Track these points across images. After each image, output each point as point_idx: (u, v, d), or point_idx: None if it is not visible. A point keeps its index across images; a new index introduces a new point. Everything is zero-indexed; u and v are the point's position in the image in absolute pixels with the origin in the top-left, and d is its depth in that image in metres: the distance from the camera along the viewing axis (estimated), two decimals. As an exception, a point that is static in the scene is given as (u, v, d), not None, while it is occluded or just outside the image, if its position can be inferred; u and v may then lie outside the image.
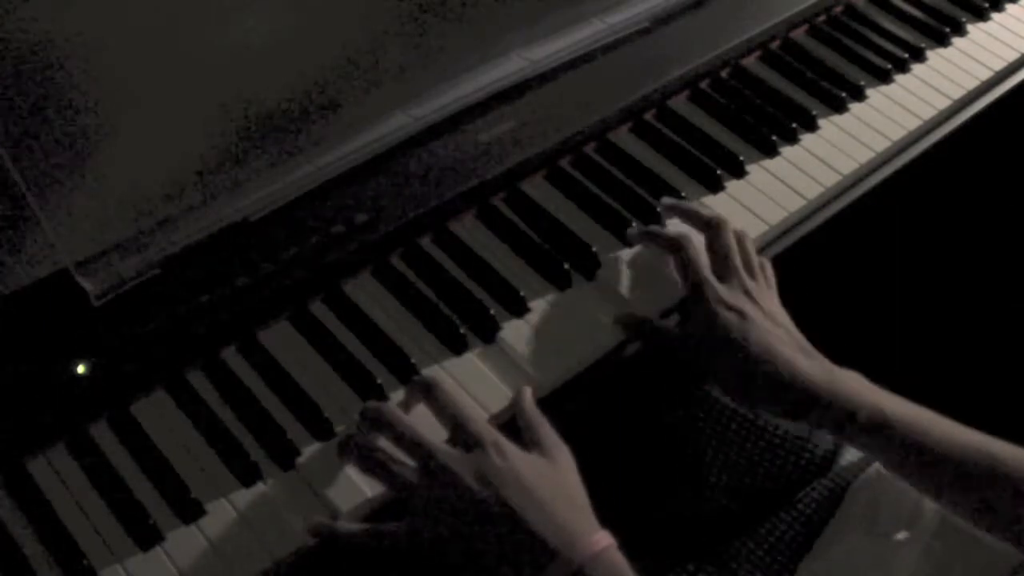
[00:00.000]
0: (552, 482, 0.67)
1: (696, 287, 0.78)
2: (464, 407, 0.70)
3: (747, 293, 0.78)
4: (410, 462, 0.68)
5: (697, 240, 0.82)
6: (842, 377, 0.74)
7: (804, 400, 0.73)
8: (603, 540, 0.65)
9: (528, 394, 0.74)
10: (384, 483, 0.69)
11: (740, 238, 0.83)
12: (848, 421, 0.72)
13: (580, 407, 0.79)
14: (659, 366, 0.84)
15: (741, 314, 0.76)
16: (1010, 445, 0.71)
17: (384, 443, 0.69)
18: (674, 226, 0.87)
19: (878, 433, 0.72)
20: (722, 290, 0.77)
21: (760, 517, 0.85)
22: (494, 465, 0.66)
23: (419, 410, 0.73)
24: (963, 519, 0.73)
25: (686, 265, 0.80)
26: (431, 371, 0.76)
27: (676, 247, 0.81)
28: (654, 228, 0.85)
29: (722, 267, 0.80)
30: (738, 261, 0.80)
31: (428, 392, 0.71)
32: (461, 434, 0.68)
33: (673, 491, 0.91)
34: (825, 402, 0.73)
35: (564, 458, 0.69)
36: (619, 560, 0.65)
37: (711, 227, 0.82)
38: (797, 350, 0.75)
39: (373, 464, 0.69)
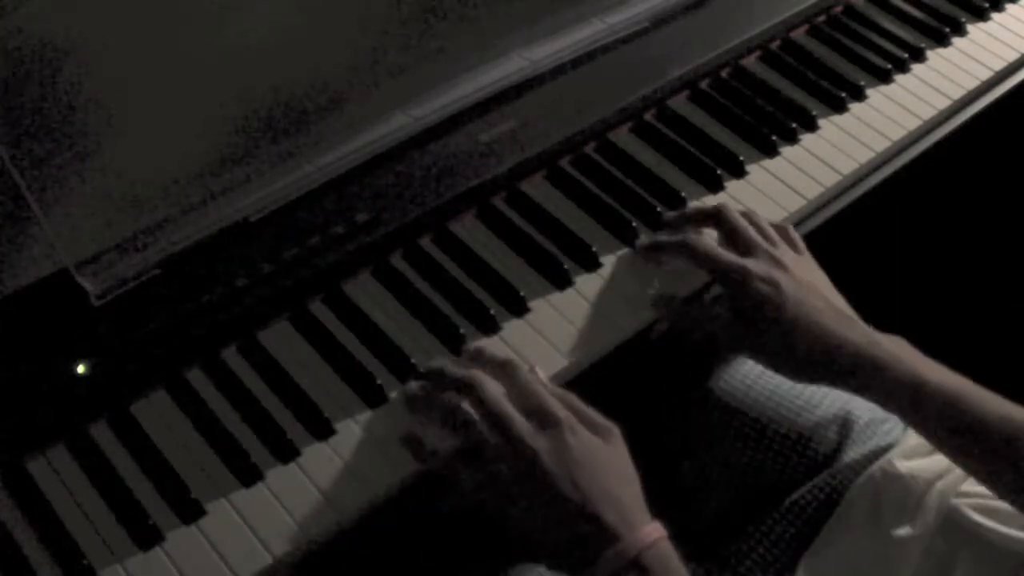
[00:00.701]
0: (616, 468, 0.67)
1: (723, 275, 0.77)
2: (539, 386, 0.70)
3: (776, 262, 0.77)
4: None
5: (708, 234, 0.82)
6: (883, 342, 0.74)
7: (846, 368, 0.73)
8: (657, 531, 0.65)
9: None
10: (463, 442, 0.68)
11: (748, 214, 0.82)
12: (887, 386, 0.73)
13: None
14: (663, 362, 0.84)
15: (775, 285, 0.75)
16: None
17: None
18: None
19: (917, 396, 0.72)
20: (751, 264, 0.76)
21: (761, 516, 0.85)
22: (568, 445, 0.66)
23: None
24: (999, 495, 0.74)
25: (704, 260, 0.79)
26: (431, 371, 0.77)
27: (684, 249, 0.80)
28: (659, 237, 0.84)
29: (742, 246, 0.79)
30: (754, 234, 0.80)
31: (503, 368, 0.70)
32: (535, 411, 0.68)
33: (675, 490, 0.91)
34: (867, 366, 0.73)
35: (619, 442, 0.69)
36: (671, 551, 0.65)
37: (713, 215, 0.82)
38: (835, 317, 0.75)
39: (456, 422, 0.68)
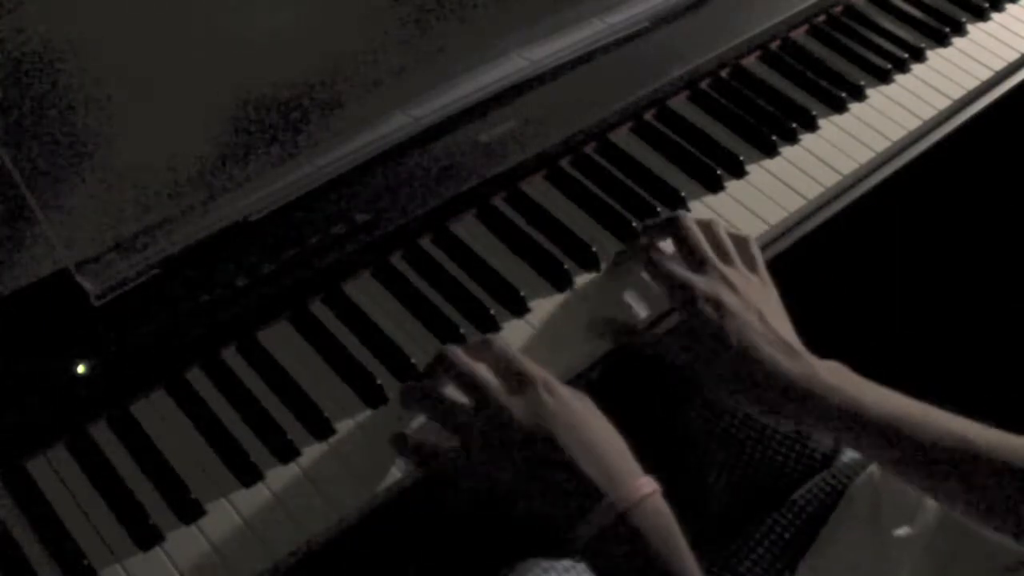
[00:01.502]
0: (597, 424, 0.67)
1: (670, 289, 0.76)
2: (515, 352, 0.70)
3: (723, 279, 0.75)
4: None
5: (668, 246, 0.80)
6: (821, 371, 0.72)
7: (781, 397, 0.71)
8: (647, 485, 0.64)
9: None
10: (440, 420, 0.69)
11: (707, 226, 0.80)
12: (824, 416, 0.71)
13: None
14: (662, 362, 0.84)
15: (717, 304, 0.73)
16: (987, 428, 0.70)
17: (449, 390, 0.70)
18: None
19: (855, 426, 0.70)
20: (697, 281, 0.75)
21: (761, 515, 0.85)
22: (545, 402, 0.66)
23: None
24: (958, 514, 0.72)
25: (655, 271, 0.77)
26: (431, 371, 0.77)
27: (643, 259, 0.79)
28: (629, 245, 0.83)
29: (693, 260, 0.77)
30: (706, 248, 0.78)
31: (480, 345, 0.71)
32: (511, 375, 0.68)
33: (673, 490, 0.91)
34: (801, 398, 0.71)
35: (591, 403, 0.69)
36: (663, 508, 0.64)
37: (670, 224, 0.80)
38: (776, 344, 0.73)
39: (431, 402, 0.70)
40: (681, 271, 0.76)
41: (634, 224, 0.86)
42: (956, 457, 0.69)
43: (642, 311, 0.81)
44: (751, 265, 0.79)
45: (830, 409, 0.70)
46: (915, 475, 0.72)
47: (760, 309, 0.75)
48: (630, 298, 0.82)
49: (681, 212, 0.82)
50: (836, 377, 0.72)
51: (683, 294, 0.75)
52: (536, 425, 0.65)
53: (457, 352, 0.70)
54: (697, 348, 0.74)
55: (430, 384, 0.71)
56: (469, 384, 0.68)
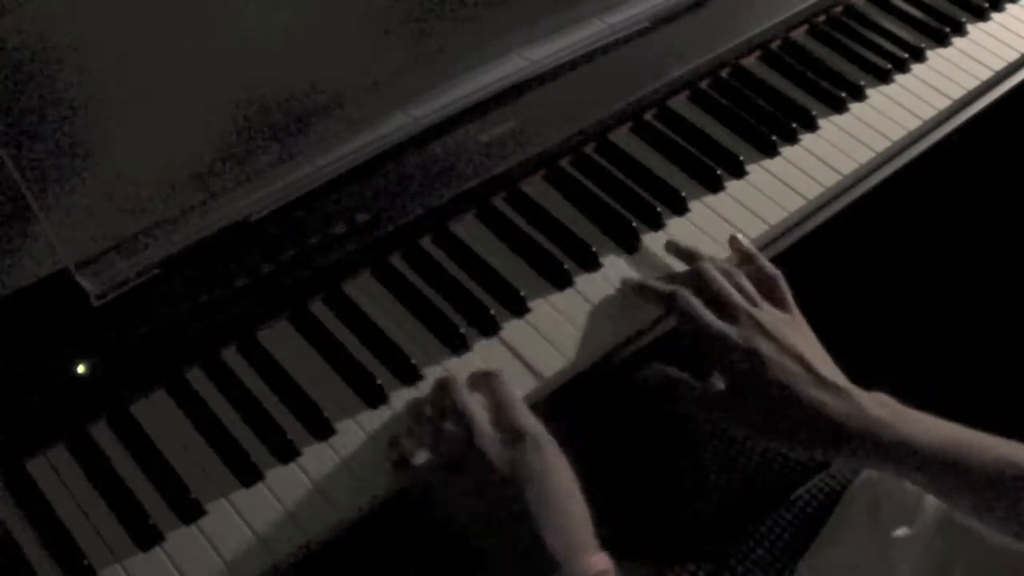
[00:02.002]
0: (568, 494, 0.67)
1: (705, 340, 0.74)
2: (515, 396, 0.70)
3: (758, 327, 0.73)
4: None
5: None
6: (868, 406, 0.71)
7: (833, 439, 0.70)
8: (601, 562, 0.64)
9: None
10: (427, 441, 0.70)
11: (729, 273, 0.78)
12: (876, 453, 0.70)
13: (580, 408, 0.79)
14: (664, 363, 0.84)
15: (754, 353, 0.72)
16: None
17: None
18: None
19: (906, 459, 0.70)
20: (729, 332, 0.73)
21: (760, 516, 0.85)
22: (528, 461, 0.66)
23: None
24: (1000, 533, 0.72)
25: (687, 319, 0.75)
26: (431, 371, 0.77)
27: (669, 304, 0.77)
28: (648, 283, 0.81)
29: (720, 306, 0.76)
30: (732, 294, 0.76)
31: (485, 379, 0.72)
32: (507, 422, 0.68)
33: (673, 491, 0.91)
34: (852, 439, 0.70)
35: (567, 470, 0.68)
36: None
37: (694, 277, 0.78)
38: (819, 384, 0.71)
39: (424, 422, 0.71)
40: (715, 321, 0.74)
41: (634, 224, 0.86)
42: (1007, 482, 0.68)
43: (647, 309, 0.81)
44: (782, 304, 0.78)
45: (881, 446, 0.70)
46: (965, 501, 0.72)
47: (797, 349, 0.73)
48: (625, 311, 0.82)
49: (705, 262, 0.80)
50: (884, 411, 0.71)
51: (717, 345, 0.73)
52: (512, 480, 0.65)
53: (456, 384, 0.71)
54: (743, 402, 0.73)
55: (429, 405, 0.72)
56: (461, 417, 0.68)
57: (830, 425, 0.70)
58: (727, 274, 0.78)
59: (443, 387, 0.71)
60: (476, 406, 0.69)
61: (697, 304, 0.76)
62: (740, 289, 0.77)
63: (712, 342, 0.74)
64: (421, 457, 0.71)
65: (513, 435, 0.67)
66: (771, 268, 0.81)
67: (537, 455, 0.66)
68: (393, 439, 0.72)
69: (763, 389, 0.71)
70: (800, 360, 0.72)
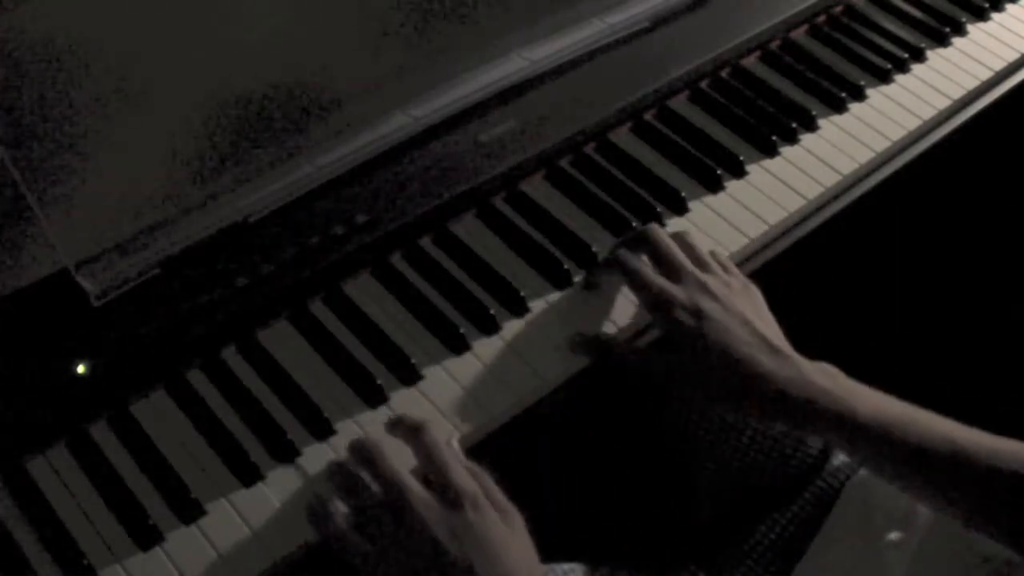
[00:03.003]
0: (517, 552, 0.64)
1: (648, 299, 0.75)
2: (449, 457, 0.66)
3: (703, 288, 0.74)
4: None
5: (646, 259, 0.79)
6: (811, 373, 0.71)
7: (769, 402, 0.70)
8: None
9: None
10: (353, 511, 0.66)
11: (679, 236, 0.79)
12: (814, 419, 0.70)
13: (576, 410, 0.79)
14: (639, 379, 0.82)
15: (697, 313, 0.72)
16: (976, 431, 0.68)
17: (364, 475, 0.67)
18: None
19: (845, 430, 0.69)
20: (676, 291, 0.74)
21: (754, 520, 0.85)
22: (471, 524, 0.62)
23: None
24: (960, 522, 0.71)
25: (634, 281, 0.76)
26: (431, 371, 0.76)
27: (623, 270, 0.77)
28: (606, 262, 0.80)
29: (669, 270, 0.76)
30: (682, 258, 0.77)
31: (415, 434, 0.68)
32: (441, 483, 0.65)
33: (668, 495, 0.91)
34: (789, 402, 0.69)
35: (520, 524, 0.66)
36: None
37: (641, 237, 0.79)
38: (761, 347, 0.71)
39: (346, 490, 0.67)
40: (659, 280, 0.75)
41: (634, 224, 0.86)
42: (945, 460, 0.67)
43: (626, 320, 0.81)
44: (728, 271, 0.78)
45: (819, 412, 0.69)
46: (904, 478, 0.71)
47: (743, 313, 0.73)
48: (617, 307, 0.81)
49: (652, 224, 0.80)
50: (826, 379, 0.71)
51: (661, 304, 0.74)
52: (456, 546, 0.61)
53: (376, 446, 0.66)
54: (681, 358, 0.73)
55: (350, 469, 0.68)
56: (390, 484, 0.64)
57: (769, 388, 0.70)
58: (678, 238, 0.79)
59: (361, 453, 0.67)
60: (405, 473, 0.65)
61: (639, 264, 0.76)
62: (691, 253, 0.78)
63: (655, 301, 0.74)
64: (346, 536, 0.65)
65: (451, 497, 0.64)
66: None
67: (478, 515, 0.63)
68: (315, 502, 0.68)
69: (705, 349, 0.71)
70: (745, 323, 0.72)
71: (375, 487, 0.66)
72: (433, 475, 0.66)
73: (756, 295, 0.77)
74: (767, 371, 0.70)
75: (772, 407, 0.70)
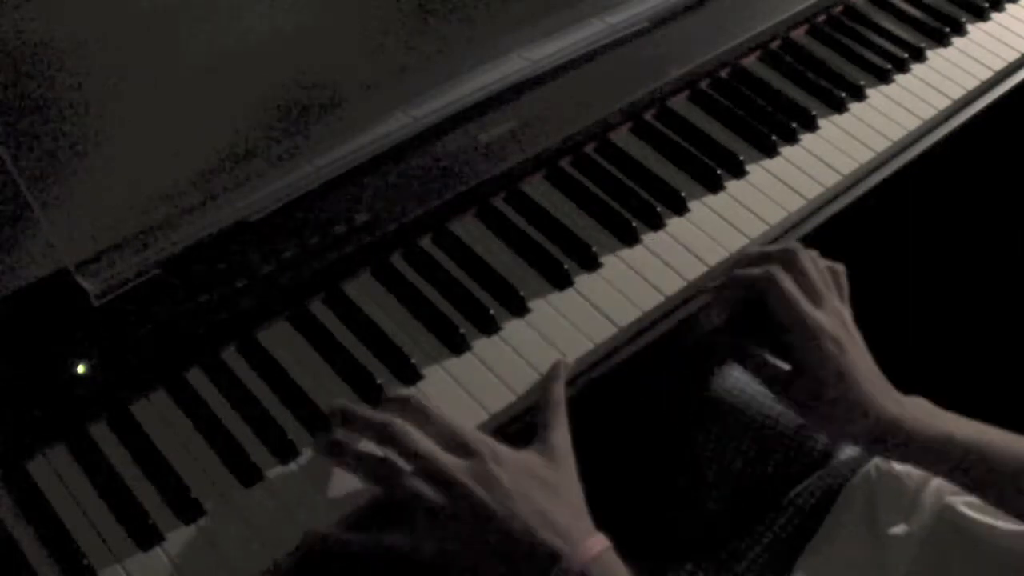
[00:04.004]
0: (551, 487, 0.67)
1: (797, 325, 0.77)
2: (452, 421, 0.69)
3: (841, 320, 0.78)
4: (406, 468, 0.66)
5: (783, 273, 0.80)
6: (908, 404, 0.77)
7: (873, 431, 0.76)
8: (600, 543, 0.65)
9: (558, 387, 0.73)
10: (389, 493, 0.67)
11: (812, 258, 0.81)
12: (920, 449, 0.76)
13: (579, 408, 0.79)
14: (662, 363, 0.84)
15: (840, 346, 0.76)
16: None
17: (374, 448, 0.68)
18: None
19: (945, 457, 0.75)
20: (824, 320, 0.77)
21: (758, 515, 0.85)
22: (494, 473, 0.65)
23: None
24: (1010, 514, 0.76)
25: (784, 303, 0.77)
26: (431, 371, 0.76)
27: (767, 284, 0.78)
28: (738, 272, 0.82)
29: (812, 296, 0.79)
30: (823, 286, 0.80)
31: (411, 409, 0.69)
32: (455, 446, 0.67)
33: (672, 490, 0.91)
34: (899, 435, 0.76)
35: (567, 462, 0.69)
36: (616, 562, 0.65)
37: (786, 256, 0.81)
38: (874, 381, 0.77)
39: (381, 474, 0.67)
40: (811, 308, 0.77)
41: (634, 224, 0.86)
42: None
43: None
44: (842, 297, 0.82)
45: (924, 442, 0.76)
46: (992, 492, 0.76)
47: (863, 347, 0.79)
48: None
49: (795, 245, 0.82)
50: (922, 412, 0.77)
51: (812, 334, 0.76)
52: (493, 497, 0.64)
53: (400, 424, 0.67)
54: (806, 383, 0.77)
55: (371, 453, 0.68)
56: (418, 456, 0.66)
57: (883, 419, 0.75)
58: (813, 262, 0.82)
59: (384, 429, 0.67)
60: (428, 440, 0.67)
61: (796, 290, 0.78)
62: (825, 280, 0.81)
63: (805, 329, 0.77)
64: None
65: (468, 455, 0.66)
66: (836, 263, 0.84)
67: (500, 466, 0.65)
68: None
69: (839, 378, 0.76)
70: (864, 356, 0.78)
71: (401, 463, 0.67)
72: (446, 442, 0.67)
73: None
74: (878, 403, 0.76)
75: (874, 434, 0.76)
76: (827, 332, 0.76)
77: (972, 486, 0.77)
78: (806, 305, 0.77)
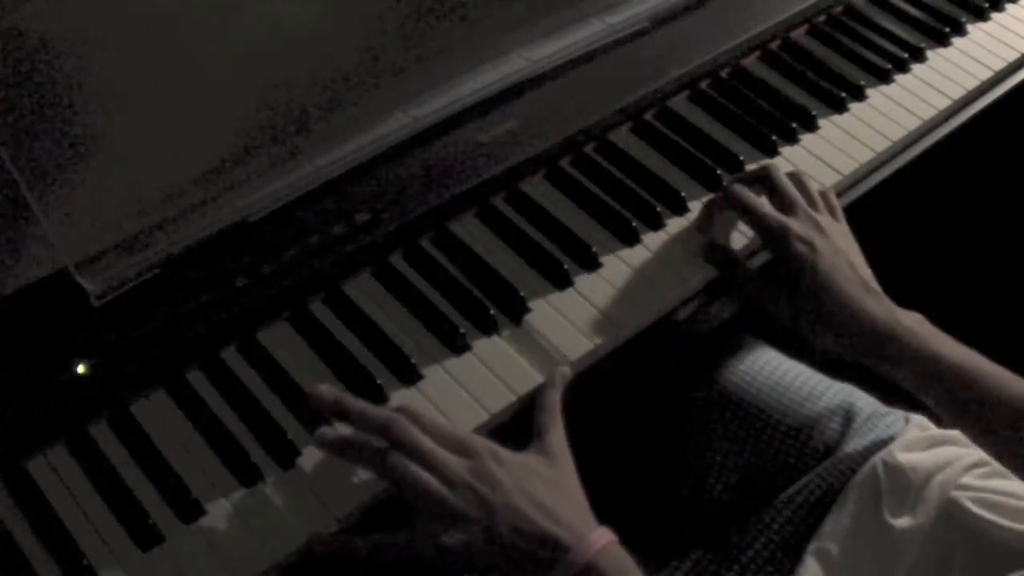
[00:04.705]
0: (552, 483, 0.67)
1: (763, 229, 0.81)
2: (447, 426, 0.69)
3: (815, 224, 0.80)
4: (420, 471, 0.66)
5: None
6: (904, 319, 0.77)
7: (864, 336, 0.76)
8: (605, 535, 0.65)
9: (554, 394, 0.74)
10: (396, 486, 0.67)
11: (795, 176, 0.85)
12: (903, 357, 0.75)
13: (584, 403, 0.79)
14: (667, 355, 0.85)
15: (810, 245, 0.78)
16: None
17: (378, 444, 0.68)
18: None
19: (931, 369, 0.75)
20: (790, 222, 0.80)
21: (763, 507, 0.85)
22: (495, 472, 0.66)
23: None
24: (1011, 470, 0.76)
25: (747, 211, 0.82)
26: (431, 371, 0.77)
27: (735, 204, 0.82)
28: (715, 197, 0.86)
29: (786, 206, 0.82)
30: (797, 194, 0.83)
31: (408, 415, 0.69)
32: (454, 448, 0.67)
33: (677, 483, 0.92)
34: (883, 338, 0.76)
35: (565, 461, 0.70)
36: (623, 554, 0.66)
37: (762, 175, 0.85)
38: (862, 288, 0.78)
39: (390, 466, 0.67)
40: (775, 212, 0.81)
41: (634, 224, 0.86)
42: (1019, 417, 0.73)
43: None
44: (834, 215, 0.85)
45: (910, 350, 0.75)
46: (975, 426, 0.76)
47: (847, 253, 0.80)
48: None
49: (771, 163, 0.86)
50: (918, 324, 0.77)
51: (778, 234, 0.79)
52: (496, 495, 0.64)
53: (403, 422, 0.67)
54: (788, 285, 0.79)
55: (375, 449, 0.67)
56: (421, 456, 0.66)
57: (866, 323, 0.76)
58: (794, 177, 0.85)
59: (386, 428, 0.67)
60: (429, 440, 0.67)
61: (755, 197, 0.82)
62: (805, 193, 0.84)
63: (771, 231, 0.80)
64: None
65: (467, 455, 0.66)
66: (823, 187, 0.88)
67: (500, 465, 0.66)
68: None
69: (813, 278, 0.77)
70: (849, 263, 0.79)
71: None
72: (444, 444, 0.67)
73: (854, 243, 0.84)
74: (866, 307, 0.77)
75: (865, 340, 0.77)
76: (793, 231, 0.79)
77: (964, 424, 0.77)
78: (768, 208, 0.82)
